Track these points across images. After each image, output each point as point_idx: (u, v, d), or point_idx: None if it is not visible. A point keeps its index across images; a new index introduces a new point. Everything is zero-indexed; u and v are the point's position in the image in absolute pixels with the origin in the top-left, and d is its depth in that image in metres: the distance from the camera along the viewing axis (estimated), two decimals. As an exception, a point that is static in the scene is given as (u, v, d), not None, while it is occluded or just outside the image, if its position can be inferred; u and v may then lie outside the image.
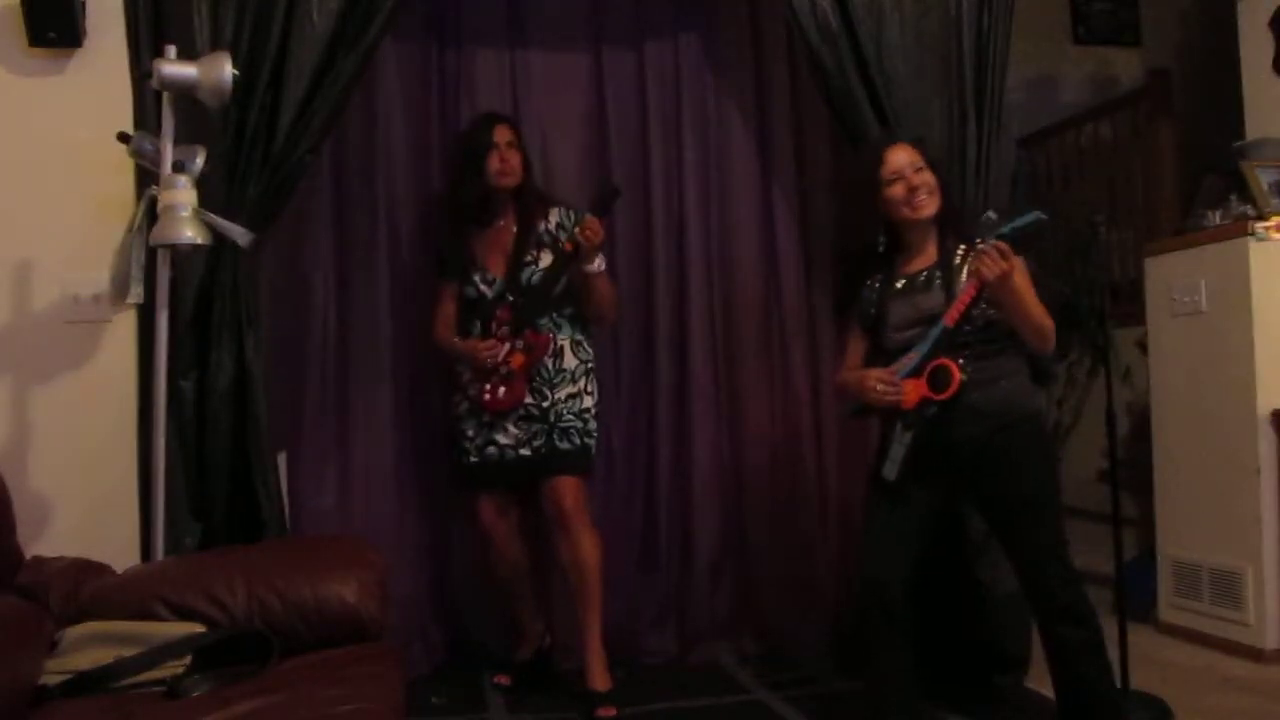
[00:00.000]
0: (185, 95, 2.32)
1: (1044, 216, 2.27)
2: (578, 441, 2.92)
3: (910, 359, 2.34)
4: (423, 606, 3.23)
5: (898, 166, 2.40)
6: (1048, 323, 2.32)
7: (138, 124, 2.53)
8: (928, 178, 2.40)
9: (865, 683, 2.51)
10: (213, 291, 2.56)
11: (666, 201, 3.36)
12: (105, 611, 1.98)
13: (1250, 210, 3.21)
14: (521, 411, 2.90)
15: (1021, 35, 3.19)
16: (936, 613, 2.71)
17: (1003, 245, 2.21)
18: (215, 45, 2.52)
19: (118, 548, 2.38)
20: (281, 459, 2.72)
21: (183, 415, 2.54)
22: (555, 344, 2.92)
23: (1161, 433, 3.51)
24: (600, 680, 2.81)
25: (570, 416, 2.91)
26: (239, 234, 2.49)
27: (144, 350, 2.52)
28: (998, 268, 2.20)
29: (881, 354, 2.46)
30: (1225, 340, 3.22)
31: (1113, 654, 2.40)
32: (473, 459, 2.97)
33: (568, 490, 2.87)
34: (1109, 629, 2.43)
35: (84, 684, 1.82)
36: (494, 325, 2.92)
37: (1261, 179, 3.25)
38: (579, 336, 3.00)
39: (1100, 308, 2.93)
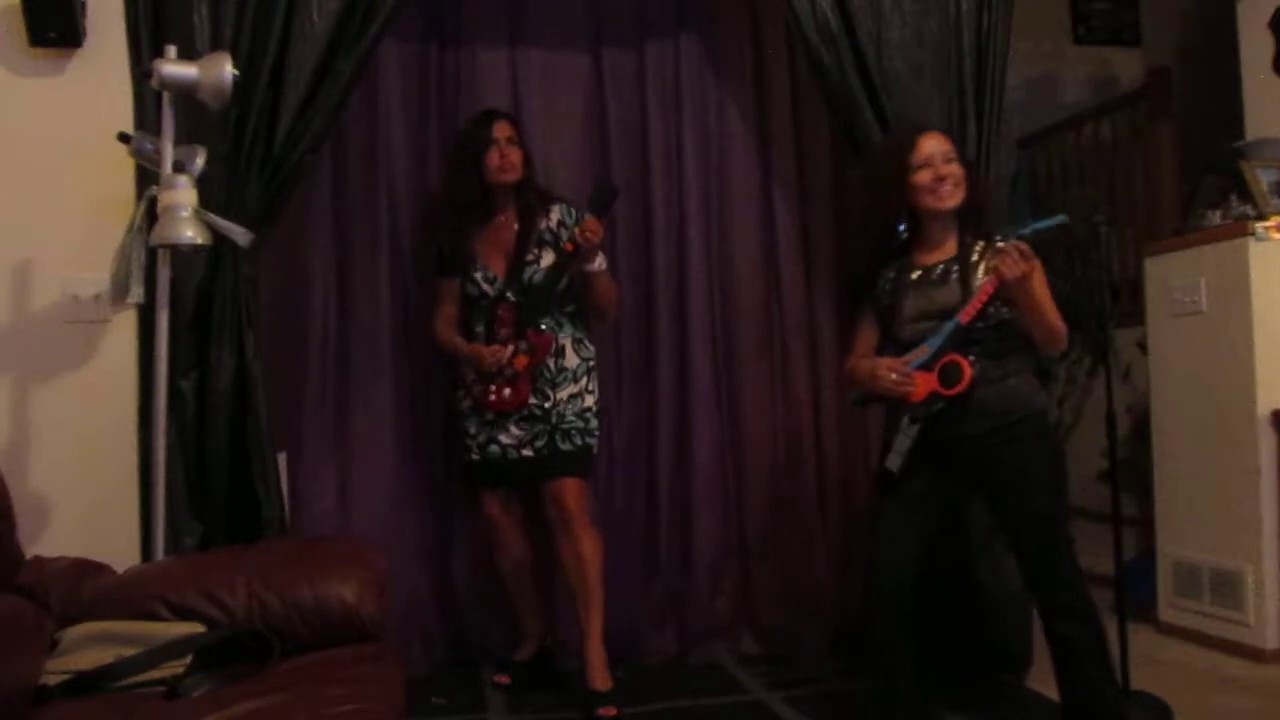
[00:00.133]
0: (185, 95, 2.32)
1: (1067, 220, 2.28)
2: (579, 442, 2.92)
3: (922, 352, 2.34)
4: (423, 606, 3.23)
5: (928, 153, 2.39)
6: (1060, 325, 2.33)
7: (138, 124, 2.53)
8: (956, 169, 2.39)
9: (871, 681, 2.51)
10: (213, 291, 2.57)
11: (666, 201, 3.36)
12: (105, 611, 1.98)
13: (1250, 210, 3.21)
14: (524, 412, 2.90)
15: (1021, 35, 3.20)
16: (937, 612, 2.71)
17: (1024, 246, 2.21)
18: (215, 45, 2.52)
19: (118, 548, 2.38)
20: (281, 459, 2.72)
21: (183, 415, 2.55)
22: (557, 343, 2.92)
23: (1161, 433, 3.51)
24: (601, 680, 2.81)
25: (572, 417, 2.91)
26: (239, 234, 2.49)
27: (144, 350, 2.52)
28: (1018, 268, 2.20)
29: (892, 343, 2.46)
30: (1225, 340, 3.22)
31: (1113, 654, 2.40)
32: (474, 457, 2.98)
33: (569, 491, 2.88)
34: (1109, 629, 2.43)
35: (84, 684, 1.82)
36: (496, 326, 2.92)
37: (1261, 179, 3.25)
38: (580, 334, 3.00)
39: (1100, 308, 2.92)
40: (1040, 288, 2.29)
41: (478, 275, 2.96)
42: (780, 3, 2.94)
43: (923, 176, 2.38)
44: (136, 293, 2.45)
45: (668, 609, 3.33)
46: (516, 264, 2.93)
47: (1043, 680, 2.85)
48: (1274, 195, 3.23)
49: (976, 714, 2.67)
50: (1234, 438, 3.18)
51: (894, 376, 2.36)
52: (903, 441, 2.37)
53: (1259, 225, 3.14)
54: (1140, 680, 2.70)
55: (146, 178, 2.47)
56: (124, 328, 2.58)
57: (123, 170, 2.53)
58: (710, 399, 3.37)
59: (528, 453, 2.91)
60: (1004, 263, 2.22)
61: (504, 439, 2.93)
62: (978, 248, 2.40)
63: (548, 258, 2.92)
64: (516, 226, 2.96)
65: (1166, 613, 3.46)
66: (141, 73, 2.48)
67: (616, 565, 3.13)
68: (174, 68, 2.30)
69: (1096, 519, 3.33)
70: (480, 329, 2.96)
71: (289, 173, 2.60)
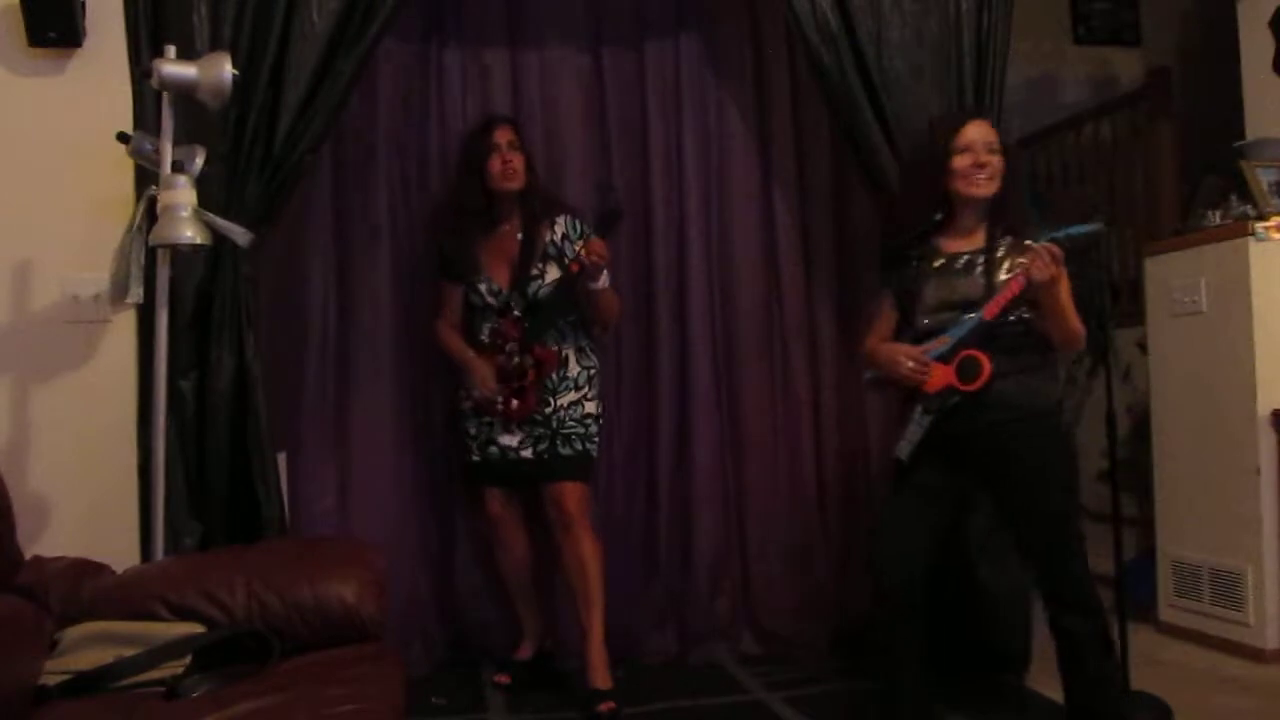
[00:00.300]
0: (185, 95, 2.32)
1: (1103, 228, 2.29)
2: (579, 447, 2.92)
3: (942, 343, 2.34)
4: (423, 606, 3.23)
5: (971, 139, 2.40)
6: (1080, 328, 2.34)
7: (137, 124, 2.53)
8: (996, 161, 2.40)
9: (877, 678, 2.51)
10: (212, 291, 2.57)
11: (666, 201, 3.36)
12: (105, 611, 1.97)
13: (1250, 210, 3.21)
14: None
15: (1021, 35, 3.20)
16: (937, 611, 2.70)
17: (1055, 249, 2.21)
18: (215, 45, 2.52)
19: (118, 548, 2.38)
20: (281, 459, 2.72)
21: (183, 415, 2.55)
22: (561, 356, 2.93)
23: (1161, 433, 3.51)
24: (602, 679, 2.81)
25: (572, 423, 2.92)
26: (239, 234, 2.49)
27: (144, 350, 2.52)
28: (1048, 270, 2.21)
29: (908, 329, 2.46)
30: (1225, 340, 3.22)
31: (1117, 653, 2.40)
32: (475, 457, 2.99)
33: (569, 494, 2.88)
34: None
35: (84, 684, 1.82)
36: (501, 340, 2.92)
37: (1261, 179, 3.25)
38: (583, 343, 3.00)
39: (1100, 308, 2.92)
40: (1064, 291, 2.29)
41: (481, 286, 2.96)
42: (780, 3, 2.94)
43: (962, 161, 2.39)
44: (136, 293, 2.45)
45: (668, 609, 3.33)
46: (520, 277, 2.93)
47: (1043, 680, 2.86)
48: (1274, 195, 3.23)
49: (976, 714, 2.66)
50: (1234, 438, 3.18)
51: (911, 365, 2.36)
52: (914, 431, 2.37)
53: (1259, 225, 3.14)
54: (1140, 680, 2.70)
55: (146, 178, 2.47)
56: (124, 328, 2.58)
57: (122, 170, 2.53)
58: (710, 399, 3.37)
59: (527, 454, 2.92)
60: (1034, 264, 2.22)
61: (504, 440, 2.93)
62: (1005, 242, 2.39)
63: (552, 272, 2.92)
64: (520, 236, 2.96)
65: (1166, 613, 3.46)
66: (141, 73, 2.48)
67: (617, 565, 3.14)
68: (173, 67, 2.30)
69: (1096, 519, 3.32)
70: (484, 337, 2.97)
71: (289, 173, 2.60)
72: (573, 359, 2.96)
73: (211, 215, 2.40)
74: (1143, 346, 3.70)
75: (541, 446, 2.91)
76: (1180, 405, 3.43)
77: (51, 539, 2.37)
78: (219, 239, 2.46)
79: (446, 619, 3.28)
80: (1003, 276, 2.34)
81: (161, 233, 2.29)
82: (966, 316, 2.33)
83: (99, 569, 2.11)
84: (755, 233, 3.42)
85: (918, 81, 2.90)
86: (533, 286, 2.92)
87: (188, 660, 1.89)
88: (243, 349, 2.56)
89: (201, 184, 2.38)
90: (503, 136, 2.93)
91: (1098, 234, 2.30)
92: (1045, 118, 4.87)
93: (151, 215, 2.37)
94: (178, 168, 2.33)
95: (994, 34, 2.92)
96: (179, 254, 2.43)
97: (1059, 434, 2.42)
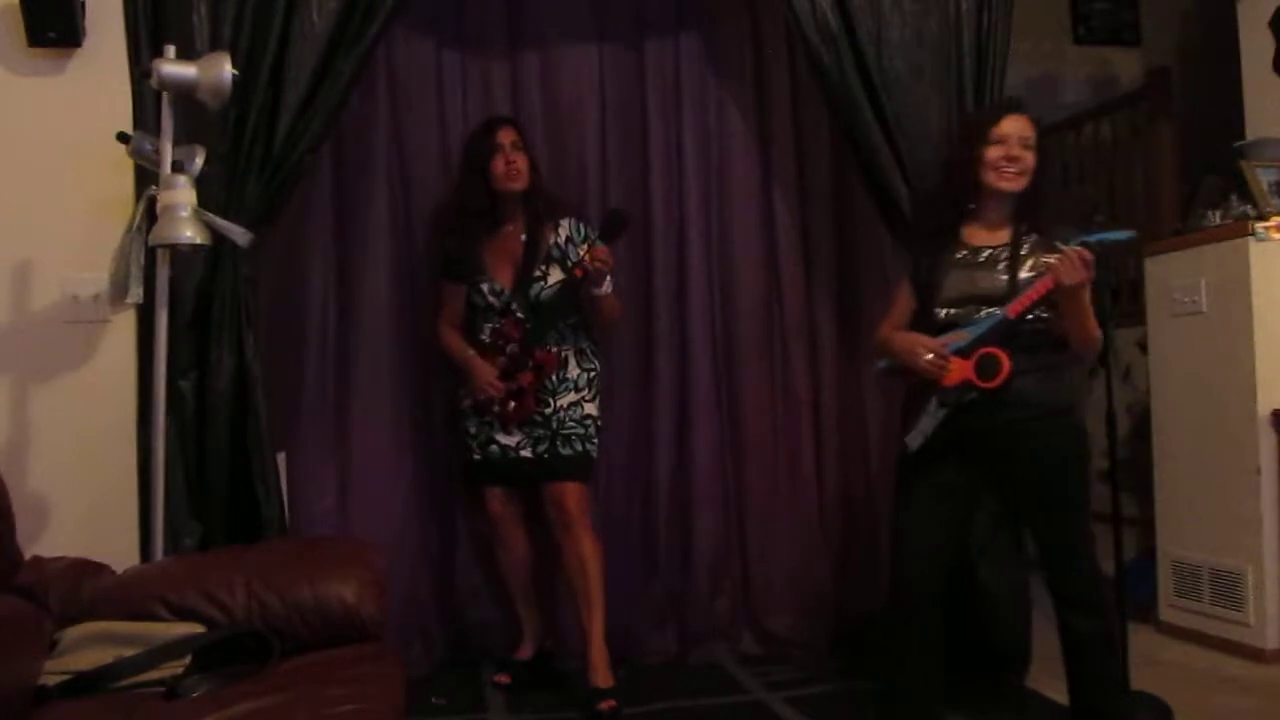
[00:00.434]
0: (184, 95, 2.32)
1: (1135, 236, 2.29)
2: (580, 447, 2.92)
3: (961, 337, 2.33)
4: (423, 606, 3.23)
5: (1008, 132, 2.38)
6: (1098, 333, 2.34)
7: (137, 124, 2.53)
8: (1029, 158, 2.39)
9: (890, 675, 2.50)
10: (212, 291, 2.57)
11: (666, 201, 3.36)
12: (105, 611, 1.97)
13: (1250, 210, 3.21)
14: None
15: (1021, 35, 3.19)
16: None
17: (1086, 254, 2.21)
18: (214, 45, 2.52)
19: (117, 548, 2.38)
20: (281, 459, 2.72)
21: (182, 415, 2.55)
22: (561, 358, 2.93)
23: (1161, 433, 3.51)
24: (603, 678, 2.81)
25: (572, 423, 2.92)
26: (239, 234, 2.49)
27: (143, 350, 2.52)
28: (1077, 275, 2.21)
29: (925, 317, 2.44)
30: (1225, 340, 3.22)
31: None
32: (475, 456, 2.99)
33: (570, 494, 2.88)
34: (1109, 629, 2.43)
35: (84, 684, 1.82)
36: (502, 341, 2.92)
37: (1261, 179, 3.25)
38: (584, 345, 3.00)
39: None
40: (1086, 296, 2.29)
41: (484, 286, 2.96)
42: (780, 3, 2.94)
43: (994, 152, 2.38)
44: (136, 293, 2.45)
45: (668, 609, 3.33)
46: (523, 279, 2.93)
47: (1043, 680, 2.86)
48: (1274, 195, 3.23)
49: (976, 714, 2.66)
50: (1234, 438, 3.18)
51: (930, 357, 2.34)
52: (927, 422, 2.36)
53: (1259, 225, 3.14)
54: (1140, 680, 2.70)
55: (146, 178, 2.47)
56: (123, 328, 2.58)
57: (122, 170, 2.53)
58: (710, 399, 3.37)
59: (527, 454, 2.92)
60: (1063, 266, 2.21)
61: (504, 440, 2.93)
62: (1029, 240, 2.39)
63: (554, 274, 2.92)
64: (524, 237, 2.96)
65: (1166, 613, 3.46)
66: (141, 72, 2.48)
67: (617, 565, 3.14)
68: (173, 67, 2.30)
69: (1097, 519, 3.32)
70: (485, 338, 2.96)
71: (289, 173, 2.60)
72: (573, 361, 2.96)
73: (211, 215, 2.40)
74: (1143, 346, 3.70)
75: (541, 447, 2.91)
76: (1180, 405, 3.43)
77: (51, 539, 2.37)
78: (219, 239, 2.46)
79: (446, 619, 3.28)
80: (1024, 274, 2.33)
81: (161, 233, 2.29)
82: (987, 312, 2.32)
83: (99, 569, 2.11)
84: (755, 232, 3.42)
85: (918, 81, 2.90)
86: (535, 288, 2.92)
87: (188, 660, 1.89)
88: (243, 349, 2.56)
89: (201, 184, 2.38)
90: (506, 137, 2.93)
91: (1131, 242, 2.29)
92: (1045, 118, 4.82)
93: (151, 215, 2.37)
94: (178, 168, 2.33)
95: (994, 34, 2.92)
96: (179, 254, 2.42)
97: (1076, 432, 2.42)
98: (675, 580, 3.34)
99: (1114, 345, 3.28)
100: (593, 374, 3.00)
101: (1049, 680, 2.88)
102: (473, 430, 2.98)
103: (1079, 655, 2.34)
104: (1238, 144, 3.43)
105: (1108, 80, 5.08)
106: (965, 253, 2.42)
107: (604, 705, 2.74)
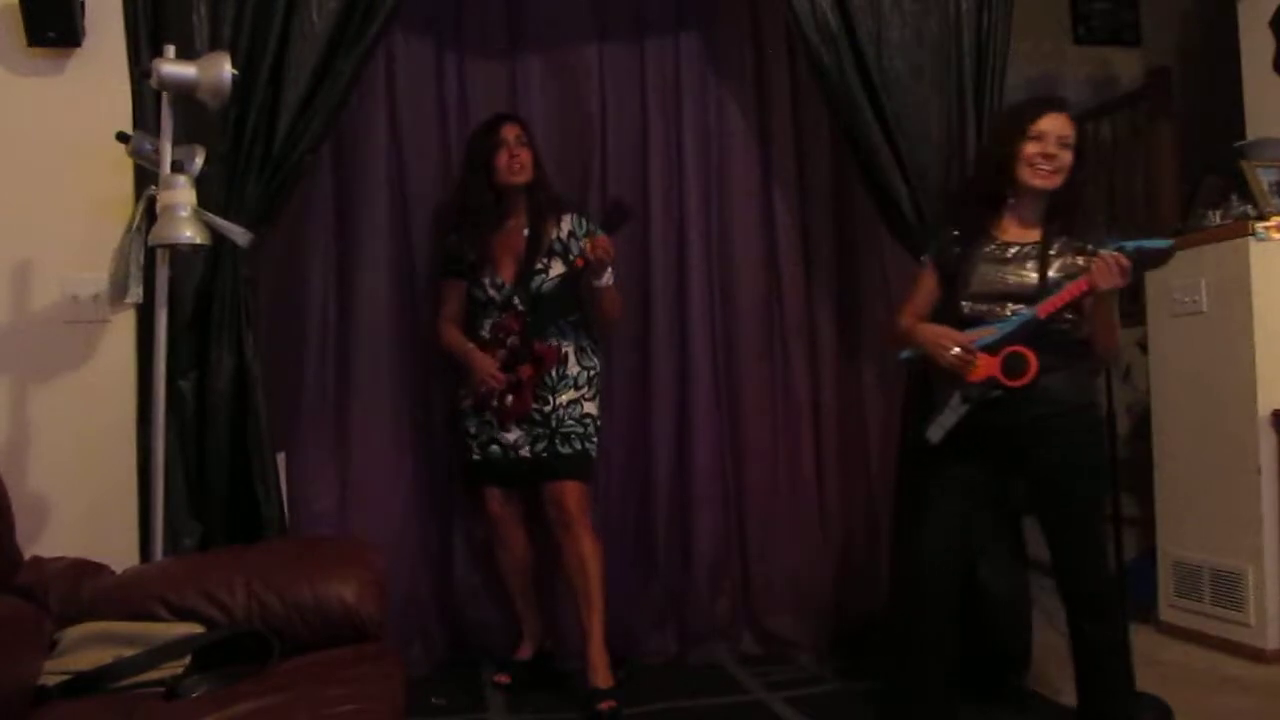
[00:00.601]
0: (184, 95, 2.32)
1: (1173, 245, 2.29)
2: (579, 446, 2.92)
3: (989, 333, 2.33)
4: (423, 606, 3.23)
5: (1046, 129, 2.37)
6: (1120, 340, 2.35)
7: (137, 124, 2.53)
8: (1065, 157, 2.37)
9: (901, 677, 2.50)
10: (212, 291, 2.56)
11: (666, 201, 3.36)
12: (105, 611, 1.97)
13: (1250, 210, 3.21)
14: (525, 417, 2.91)
15: (1021, 35, 3.19)
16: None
17: (1123, 260, 2.20)
18: (214, 45, 2.52)
19: (117, 548, 2.38)
20: (281, 459, 2.72)
21: (182, 415, 2.54)
22: (561, 352, 2.92)
23: (1161, 433, 3.51)
24: (602, 678, 2.81)
25: (571, 422, 2.92)
26: (238, 234, 2.49)
27: (143, 350, 2.51)
28: (1113, 280, 2.21)
29: (949, 310, 2.44)
30: (1225, 340, 3.22)
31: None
32: (476, 456, 2.99)
33: (569, 493, 2.88)
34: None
35: (83, 684, 1.81)
36: (503, 334, 2.92)
37: (1261, 179, 3.25)
38: (584, 343, 3.00)
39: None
40: (1116, 302, 2.30)
41: (485, 280, 2.96)
42: (780, 3, 2.94)
43: (1030, 148, 2.37)
44: (135, 293, 2.44)
45: (667, 609, 3.33)
46: (525, 272, 2.93)
47: (1043, 680, 2.86)
48: (1274, 195, 3.23)
49: (976, 714, 2.66)
50: (1234, 438, 3.18)
51: (957, 351, 2.33)
52: (949, 417, 2.35)
53: (1259, 225, 3.14)
54: (1140, 680, 2.69)
55: (145, 177, 2.47)
56: (123, 328, 2.58)
57: (122, 170, 2.53)
58: (710, 399, 3.37)
59: (526, 454, 2.92)
60: (1100, 271, 2.21)
61: (504, 439, 2.93)
62: (1060, 240, 2.38)
63: (556, 268, 2.92)
64: (526, 232, 2.96)
65: (1166, 613, 3.46)
66: (140, 72, 2.48)
67: (617, 565, 3.14)
68: (173, 67, 2.29)
69: (1097, 519, 3.32)
70: (485, 333, 2.96)
71: (289, 173, 2.60)
72: (573, 358, 2.96)
73: (211, 215, 2.40)
74: (1143, 346, 3.70)
75: (540, 446, 2.91)
76: (1180, 405, 3.43)
77: (51, 539, 2.37)
78: (219, 239, 2.45)
79: (446, 619, 3.28)
80: (1052, 274, 2.33)
81: (161, 233, 2.29)
82: (1013, 309, 2.32)
83: (99, 569, 2.11)
84: (755, 232, 3.42)
85: (918, 81, 2.90)
86: (536, 281, 2.92)
87: (188, 660, 1.89)
88: (242, 349, 2.56)
89: (201, 184, 2.38)
90: (510, 132, 2.94)
91: (1170, 251, 2.28)
92: (1045, 117, 4.85)
93: (151, 215, 2.37)
94: (177, 168, 2.33)
95: (994, 34, 2.92)
96: (178, 254, 2.42)
97: (1099, 429, 2.42)
98: (675, 580, 3.33)
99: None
100: (592, 372, 2.99)
101: (1049, 680, 2.88)
102: (473, 430, 2.98)
103: (1091, 662, 2.34)
104: (1238, 144, 3.43)
105: (1108, 80, 5.07)
106: (994, 247, 2.42)
107: (604, 706, 2.74)
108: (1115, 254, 2.22)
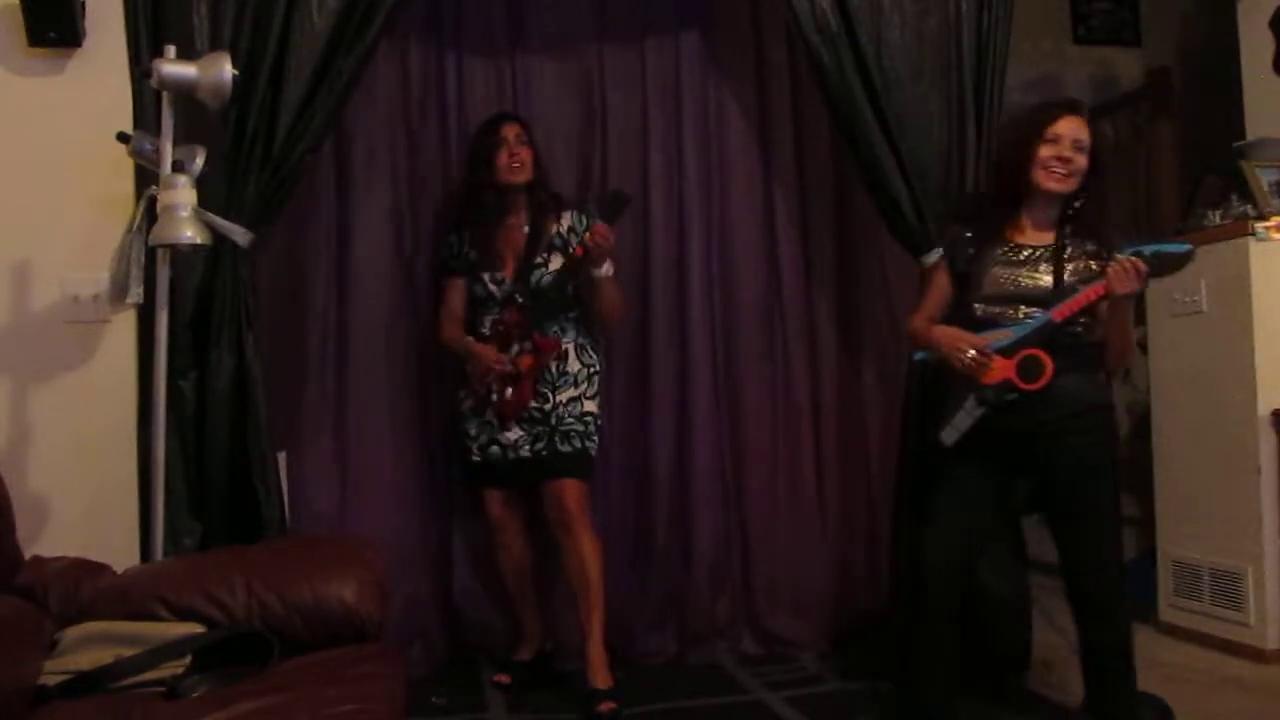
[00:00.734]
0: (185, 95, 2.32)
1: (1192, 250, 2.29)
2: (579, 445, 2.92)
3: (1004, 335, 2.32)
4: (423, 606, 3.23)
5: (1061, 132, 2.37)
6: (1134, 346, 2.34)
7: (137, 124, 2.53)
8: (1080, 160, 2.37)
9: (906, 678, 2.51)
10: (212, 291, 2.56)
11: (666, 202, 3.36)
12: (105, 611, 1.97)
13: (1250, 210, 3.21)
14: (524, 414, 2.90)
15: (1021, 35, 3.19)
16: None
17: (1142, 265, 2.20)
18: (215, 45, 2.52)
19: (117, 548, 2.38)
20: (281, 459, 2.72)
21: (182, 415, 2.54)
22: (561, 348, 2.92)
23: (1161, 432, 3.51)
24: (602, 679, 2.81)
25: (571, 420, 2.92)
26: (239, 234, 2.49)
27: (144, 350, 2.51)
28: (1130, 284, 2.20)
29: (962, 311, 2.44)
30: (1225, 340, 3.22)
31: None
32: (476, 458, 2.99)
33: (569, 492, 2.88)
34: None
35: (84, 684, 1.81)
36: (503, 327, 2.92)
37: (1261, 179, 3.25)
38: (584, 340, 3.00)
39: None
40: (1132, 307, 2.31)
41: (485, 276, 2.96)
42: (780, 3, 2.94)
43: (1045, 151, 2.37)
44: (136, 293, 2.45)
45: (667, 609, 3.33)
46: (525, 266, 2.94)
47: (1043, 681, 2.86)
48: (1274, 195, 3.22)
49: (977, 714, 2.66)
50: (1234, 438, 3.18)
51: (973, 354, 2.33)
52: (964, 419, 2.35)
53: (1259, 225, 3.14)
54: (1141, 680, 2.68)
55: (146, 177, 2.47)
56: (123, 328, 2.57)
57: (122, 170, 2.53)
58: (710, 399, 3.36)
59: (526, 453, 2.92)
60: (1116, 276, 2.21)
61: (504, 439, 2.93)
62: (1073, 243, 2.38)
63: (556, 262, 2.93)
64: (527, 229, 2.97)
65: (1166, 613, 3.46)
66: (141, 72, 2.48)
67: (617, 565, 3.14)
68: (173, 67, 2.29)
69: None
70: (485, 330, 2.97)
71: (289, 172, 2.60)
72: (573, 355, 2.96)
73: (211, 215, 2.40)
74: (1143, 346, 3.69)
75: (540, 444, 2.91)
76: (1180, 405, 3.43)
77: (51, 539, 2.37)
78: (219, 239, 2.46)
79: (446, 619, 3.28)
80: (1067, 278, 2.33)
81: (161, 233, 2.29)
82: (1026, 312, 2.32)
83: (99, 569, 2.11)
84: (755, 232, 3.42)
85: (918, 81, 2.90)
86: (536, 275, 2.93)
87: (188, 660, 1.89)
88: (243, 349, 2.56)
89: (201, 184, 2.38)
90: (510, 131, 2.95)
91: (1188, 256, 2.28)
92: (1045, 118, 4.85)
93: (151, 215, 2.37)
94: (178, 167, 2.33)
95: (994, 34, 2.92)
96: (179, 254, 2.42)
97: (1113, 431, 2.42)
98: (675, 580, 3.33)
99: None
100: (593, 370, 2.99)
101: (1049, 681, 2.88)
102: (473, 432, 2.98)
103: (1095, 663, 2.35)
104: (1238, 144, 3.43)
105: (1108, 80, 5.07)
106: (1007, 249, 2.41)
107: (604, 707, 2.74)
108: (1133, 259, 2.21)
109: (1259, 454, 3.11)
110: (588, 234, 2.81)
